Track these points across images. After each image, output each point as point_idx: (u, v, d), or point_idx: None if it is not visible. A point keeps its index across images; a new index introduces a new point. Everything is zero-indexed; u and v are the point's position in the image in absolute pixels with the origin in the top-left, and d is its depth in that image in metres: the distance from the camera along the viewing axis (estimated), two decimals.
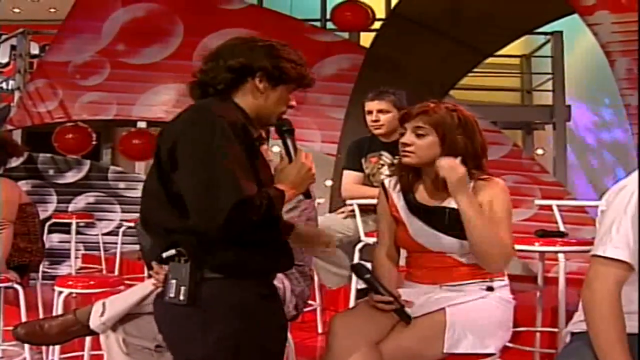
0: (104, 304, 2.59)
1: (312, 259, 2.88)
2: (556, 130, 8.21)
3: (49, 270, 6.98)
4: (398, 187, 2.46)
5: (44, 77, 7.52)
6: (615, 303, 1.70)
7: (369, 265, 2.49)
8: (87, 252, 7.37)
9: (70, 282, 3.35)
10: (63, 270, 7.08)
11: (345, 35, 7.96)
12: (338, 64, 7.03)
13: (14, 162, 7.40)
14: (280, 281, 2.56)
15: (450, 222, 2.32)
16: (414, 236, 2.38)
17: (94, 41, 7.39)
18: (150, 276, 2.29)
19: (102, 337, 2.62)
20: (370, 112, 3.91)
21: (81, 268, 6.96)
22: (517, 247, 3.39)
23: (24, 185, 7.99)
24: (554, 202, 3.88)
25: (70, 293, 3.34)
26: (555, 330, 3.24)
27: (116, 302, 2.59)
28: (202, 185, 1.82)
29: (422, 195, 2.42)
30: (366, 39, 7.48)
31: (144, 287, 2.57)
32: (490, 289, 2.32)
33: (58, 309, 3.34)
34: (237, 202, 1.79)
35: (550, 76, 8.46)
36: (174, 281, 1.89)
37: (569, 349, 1.86)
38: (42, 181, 8.01)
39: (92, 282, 3.38)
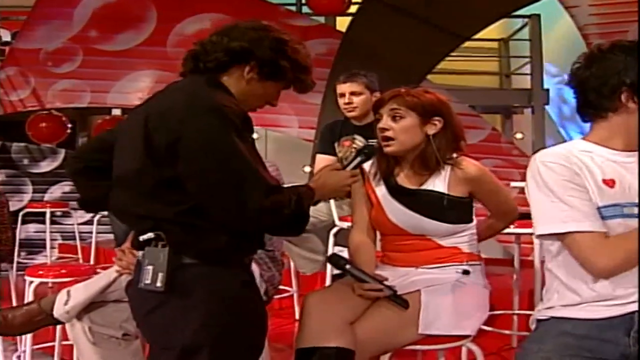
0: (68, 293, 2.52)
1: (282, 243, 2.81)
2: (534, 114, 8.21)
3: (26, 261, 6.90)
4: (378, 172, 2.41)
5: (15, 64, 7.37)
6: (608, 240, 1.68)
7: (344, 253, 2.43)
8: (65, 241, 7.29)
9: (41, 272, 3.34)
10: (40, 260, 6.99)
11: (321, 19, 7.89)
12: (314, 49, 6.87)
13: None
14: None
15: (430, 205, 2.29)
16: (393, 218, 2.33)
17: (65, 27, 7.25)
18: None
19: (68, 327, 2.55)
20: (342, 95, 3.86)
21: (58, 258, 6.89)
22: None
23: None
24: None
25: (42, 282, 3.32)
26: (532, 313, 3.20)
27: (80, 290, 2.51)
28: (226, 183, 1.73)
29: (402, 180, 2.38)
30: (342, 23, 7.43)
31: (108, 275, 2.50)
32: (466, 272, 2.28)
33: (29, 299, 3.30)
34: (267, 192, 1.73)
35: (528, 59, 8.44)
36: (150, 267, 1.80)
37: (533, 336, 1.83)
38: (17, 171, 7.91)
39: (63, 271, 3.35)
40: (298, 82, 2.00)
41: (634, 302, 1.67)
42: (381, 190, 2.38)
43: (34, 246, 7.29)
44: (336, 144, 3.94)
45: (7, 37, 9.35)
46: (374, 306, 2.17)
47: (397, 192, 2.35)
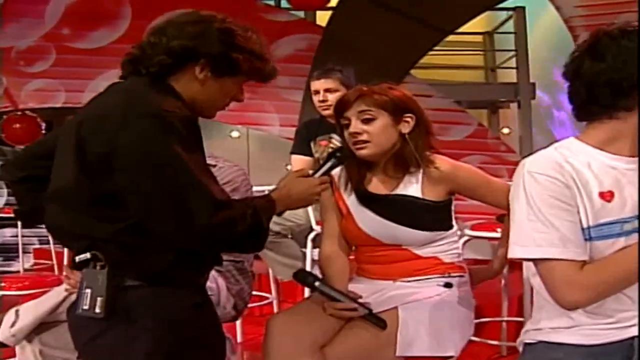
0: (17, 313, 2.31)
1: (252, 256, 2.61)
2: (521, 108, 8.08)
3: (2, 267, 6.72)
4: (347, 182, 2.21)
5: None
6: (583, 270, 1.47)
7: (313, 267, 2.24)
8: (41, 246, 7.10)
9: (3, 284, 3.19)
10: (16, 266, 6.81)
11: (301, 14, 7.69)
12: (294, 45, 6.79)
13: None
14: (214, 280, 2.29)
15: (403, 211, 2.10)
16: (364, 228, 2.14)
17: (36, 25, 7.02)
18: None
19: (18, 349, 2.34)
20: (317, 92, 3.66)
21: (34, 264, 6.71)
22: (478, 233, 3.22)
23: None
24: None
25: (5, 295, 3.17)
26: (522, 320, 3.04)
27: (30, 310, 2.31)
28: (166, 199, 1.54)
29: (372, 186, 2.18)
30: (323, 17, 7.30)
31: (58, 293, 2.29)
32: (448, 285, 2.09)
33: None
34: (215, 207, 1.54)
35: (513, 53, 8.30)
36: (88, 290, 1.61)
37: None
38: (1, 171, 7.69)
39: (26, 283, 3.19)
40: (256, 73, 1.79)
41: (633, 325, 1.46)
42: (351, 199, 2.19)
43: (10, 251, 7.10)
44: (312, 144, 3.76)
45: None
46: (348, 327, 1.98)
47: (367, 199, 2.16)
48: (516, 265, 3.51)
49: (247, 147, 9.02)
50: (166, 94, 1.67)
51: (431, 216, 2.11)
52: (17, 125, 7.20)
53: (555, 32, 7.09)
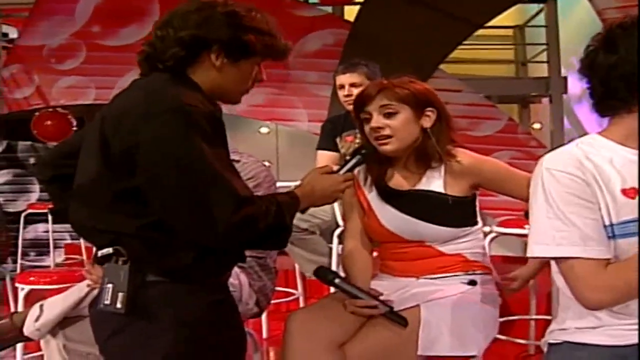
0: (41, 307, 2.32)
1: (275, 252, 2.58)
2: (553, 103, 7.94)
3: (35, 262, 6.80)
4: (369, 177, 2.19)
5: (19, 62, 7.25)
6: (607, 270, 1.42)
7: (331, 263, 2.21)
8: (73, 241, 7.16)
9: (32, 278, 3.20)
10: (48, 261, 6.89)
11: (329, 9, 7.68)
12: (322, 40, 6.74)
13: None
14: (236, 277, 2.28)
15: (426, 207, 2.07)
16: (386, 224, 2.11)
17: (67, 23, 7.09)
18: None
19: (42, 344, 2.36)
20: (342, 87, 3.62)
21: (65, 259, 6.78)
22: (506, 230, 3.16)
23: (5, 175, 7.77)
24: None
25: (34, 290, 3.18)
26: (551, 318, 2.97)
27: (55, 304, 2.32)
28: (187, 195, 1.52)
29: (394, 181, 2.15)
30: (350, 12, 7.21)
31: (80, 289, 2.30)
32: (472, 282, 2.05)
33: (20, 308, 3.18)
34: (237, 204, 1.52)
35: (544, 47, 8.17)
36: (109, 285, 1.60)
37: None
38: (23, 170, 7.79)
39: (54, 277, 3.21)
40: (270, 50, 1.76)
41: None
42: (373, 195, 2.17)
43: (43, 246, 7.18)
44: (338, 140, 3.72)
45: (14, 34, 9.25)
46: (368, 325, 1.95)
47: (389, 195, 2.13)
48: (545, 261, 3.47)
49: (276, 143, 9.01)
50: (187, 87, 1.66)
51: (455, 212, 2.07)
52: (49, 122, 7.22)
53: (588, 25, 6.95)
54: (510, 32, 9.19)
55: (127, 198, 1.59)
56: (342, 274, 2.14)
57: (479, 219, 2.14)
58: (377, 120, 2.08)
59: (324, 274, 2.07)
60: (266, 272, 2.45)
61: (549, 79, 7.98)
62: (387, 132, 2.07)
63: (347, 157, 2.03)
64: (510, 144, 6.55)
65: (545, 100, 8.44)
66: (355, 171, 2.14)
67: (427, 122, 2.09)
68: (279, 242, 1.69)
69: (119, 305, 1.58)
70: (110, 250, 1.62)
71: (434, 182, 2.09)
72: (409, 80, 2.12)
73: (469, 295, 2.02)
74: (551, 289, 2.97)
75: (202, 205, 1.52)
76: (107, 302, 1.60)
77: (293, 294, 4.26)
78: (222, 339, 1.67)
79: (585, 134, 1.59)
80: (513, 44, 9.29)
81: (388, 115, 2.08)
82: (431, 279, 2.07)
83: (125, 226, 1.60)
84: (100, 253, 1.65)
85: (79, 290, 2.30)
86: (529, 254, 1.52)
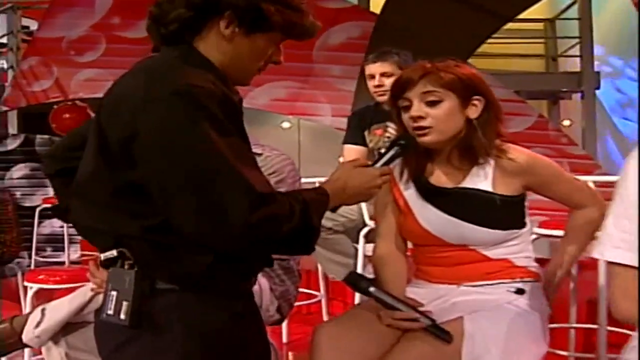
0: (43, 311, 2.14)
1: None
2: (585, 99, 7.70)
3: (50, 258, 6.69)
4: (405, 172, 1.98)
5: (37, 54, 7.15)
6: None
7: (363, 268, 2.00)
8: None
9: (41, 277, 3.05)
10: (64, 257, 6.78)
11: (354, 0, 7.47)
12: (347, 32, 6.53)
13: (10, 145, 7.21)
14: (256, 281, 2.09)
15: (472, 207, 1.86)
16: (426, 225, 1.90)
17: (87, 15, 6.98)
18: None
19: (44, 351, 2.17)
20: (372, 77, 3.42)
21: (81, 255, 6.67)
22: (547, 232, 2.94)
23: (22, 169, 7.66)
24: (589, 178, 3.36)
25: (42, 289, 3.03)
26: (595, 327, 2.75)
27: (56, 309, 2.14)
28: (194, 191, 1.30)
29: (435, 178, 1.94)
30: (376, 4, 7.09)
31: (84, 293, 2.12)
32: (520, 291, 1.84)
33: (27, 308, 3.05)
34: (255, 202, 1.30)
35: (577, 40, 7.92)
36: (113, 293, 1.41)
37: None
38: (41, 164, 7.70)
39: (64, 276, 3.06)
40: (293, 28, 1.52)
41: None
42: (411, 193, 1.95)
43: (59, 242, 7.08)
44: (366, 133, 3.51)
45: (34, 26, 9.16)
46: (406, 339, 1.73)
47: (430, 194, 1.91)
48: (586, 264, 3.25)
49: (298, 138, 8.84)
50: (198, 66, 1.44)
51: (504, 213, 1.86)
52: (67, 115, 7.13)
53: (624, 18, 6.72)
54: (540, 25, 8.98)
55: (129, 195, 1.39)
56: (371, 276, 1.94)
57: (527, 220, 1.92)
58: (418, 108, 1.86)
59: (356, 280, 1.85)
60: (289, 275, 2.25)
61: (581, 74, 7.74)
62: (427, 122, 1.85)
63: (384, 149, 1.81)
64: (540, 141, 6.32)
65: (575, 96, 8.21)
66: (390, 165, 1.93)
67: (473, 113, 1.87)
68: (305, 246, 1.46)
69: (122, 316, 1.39)
70: (114, 253, 1.42)
71: (481, 181, 1.87)
72: (454, 64, 1.89)
73: (517, 306, 1.80)
74: (595, 296, 2.78)
75: (213, 204, 1.30)
76: (110, 312, 1.41)
77: (315, 296, 4.06)
78: (242, 356, 1.47)
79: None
80: (543, 38, 9.06)
81: (431, 104, 1.85)
82: (474, 286, 1.86)
83: (129, 227, 1.40)
84: (103, 256, 1.45)
85: (83, 294, 2.12)
86: (589, 254, 1.38)
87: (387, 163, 1.74)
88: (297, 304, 3.83)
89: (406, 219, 1.95)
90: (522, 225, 1.90)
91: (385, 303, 1.77)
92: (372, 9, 7.37)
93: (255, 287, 2.05)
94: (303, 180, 4.41)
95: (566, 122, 8.53)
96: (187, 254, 1.39)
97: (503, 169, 1.86)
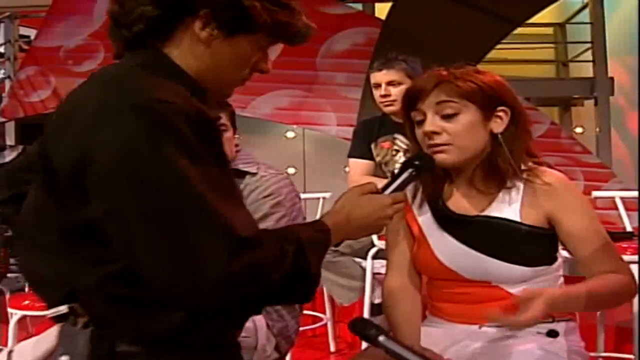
0: (10, 355, 1.91)
1: None
2: (598, 105, 7.48)
3: None
4: (419, 195, 1.75)
5: (35, 63, 6.99)
6: None
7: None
8: None
9: (26, 302, 2.86)
10: None
11: (359, 6, 7.31)
12: (352, 39, 6.34)
13: (7, 157, 7.03)
14: (250, 319, 1.87)
15: (497, 239, 1.63)
16: (442, 257, 1.67)
17: (85, 23, 6.80)
18: None
19: None
20: (378, 86, 3.22)
21: None
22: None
23: None
24: (617, 194, 3.12)
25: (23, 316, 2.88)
26: (630, 357, 2.53)
27: (22, 354, 1.91)
28: (162, 241, 1.07)
29: (455, 203, 1.71)
30: (382, 10, 6.92)
31: (50, 337, 1.89)
32: (553, 333, 1.61)
33: (11, 336, 2.85)
34: (236, 247, 1.07)
35: (588, 45, 7.73)
36: (64, 358, 1.18)
37: None
38: None
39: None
40: (282, 29, 1.29)
41: None
42: (426, 219, 1.72)
43: None
44: (373, 146, 3.31)
45: (33, 35, 9.00)
46: None
47: (448, 221, 1.69)
48: None
49: (302, 148, 8.63)
50: (166, 75, 1.20)
51: (534, 246, 1.63)
52: None
53: (636, 21, 6.52)
54: (550, 30, 8.79)
55: (82, 237, 1.14)
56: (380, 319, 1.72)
57: (559, 254, 1.69)
58: (432, 122, 1.63)
59: (362, 328, 1.60)
60: (289, 309, 2.03)
61: (594, 80, 7.53)
62: (444, 138, 1.62)
63: (396, 171, 1.57)
64: (553, 149, 6.13)
65: (588, 102, 8.00)
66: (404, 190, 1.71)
67: (497, 126, 1.64)
68: (300, 296, 1.23)
69: None
70: (63, 308, 1.18)
71: (508, 207, 1.64)
72: (474, 71, 1.66)
73: (551, 351, 1.57)
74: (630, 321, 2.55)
75: (184, 251, 1.06)
76: None
77: (321, 319, 3.84)
78: None
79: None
80: (554, 43, 8.86)
81: (447, 117, 1.62)
82: (498, 327, 1.63)
83: (83, 276, 1.15)
84: (51, 312, 1.20)
85: (49, 338, 1.89)
86: None
87: (399, 188, 1.50)
88: (302, 328, 3.63)
89: (420, 249, 1.73)
90: (552, 260, 1.67)
91: (398, 355, 1.54)
92: (377, 14, 7.18)
93: (249, 325, 1.83)
94: (307, 195, 4.25)
95: (579, 130, 8.31)
96: (155, 309, 1.14)
97: (533, 194, 1.63)
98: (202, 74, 1.26)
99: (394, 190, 1.48)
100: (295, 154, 8.26)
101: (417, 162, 1.55)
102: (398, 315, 1.70)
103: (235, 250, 1.06)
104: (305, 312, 4.11)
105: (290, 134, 8.73)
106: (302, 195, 2.50)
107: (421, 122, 1.66)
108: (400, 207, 1.46)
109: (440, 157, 1.64)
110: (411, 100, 1.69)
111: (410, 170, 1.53)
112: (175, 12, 1.23)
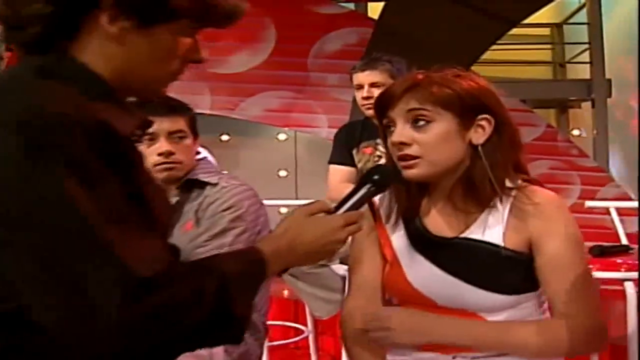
0: None
1: (265, 299, 1.98)
2: (596, 107, 7.36)
3: None
4: (394, 212, 1.59)
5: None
6: None
7: None
8: None
9: None
10: None
11: (351, 5, 7.19)
12: (344, 39, 6.24)
13: None
14: None
15: (475, 264, 1.47)
16: (414, 283, 1.52)
17: None
18: None
19: None
20: (360, 87, 3.09)
21: None
22: None
23: None
24: (611, 204, 2.96)
25: None
26: None
27: None
28: (46, 281, 0.90)
29: (433, 222, 1.55)
30: (375, 9, 6.80)
31: None
32: None
33: None
34: (136, 288, 0.91)
35: (586, 46, 7.64)
36: None
37: None
38: None
39: None
40: (205, 12, 1.11)
41: None
42: (400, 239, 1.56)
43: None
44: (354, 151, 3.16)
45: None
46: None
47: (424, 243, 1.53)
48: (609, 294, 2.85)
49: (294, 150, 8.50)
50: (69, 81, 1.03)
51: (515, 274, 1.47)
52: None
53: (634, 22, 6.41)
54: (547, 31, 8.68)
55: None
56: None
57: None
58: (401, 132, 1.47)
59: None
60: (251, 331, 1.86)
61: (592, 82, 7.41)
62: (414, 149, 1.46)
63: (352, 188, 1.41)
64: (549, 152, 6.03)
65: (584, 105, 7.87)
66: (377, 200, 1.55)
67: (478, 137, 1.48)
68: (227, 339, 1.07)
69: None
70: None
71: (490, 230, 1.48)
72: (454, 74, 1.49)
73: None
74: (626, 337, 2.39)
75: (73, 292, 0.90)
76: None
77: (302, 332, 3.70)
78: None
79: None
80: (550, 44, 8.74)
81: (418, 126, 1.47)
82: (475, 358, 1.48)
83: None
84: None
85: None
86: None
87: (355, 207, 1.32)
88: (283, 341, 3.48)
89: (391, 272, 1.57)
90: (536, 286, 1.50)
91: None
92: (370, 14, 7.09)
93: (203, 352, 1.67)
94: (299, 202, 4.10)
95: (575, 132, 8.18)
96: (50, 355, 0.96)
97: (520, 216, 1.47)
98: (119, 73, 1.09)
99: (349, 209, 1.31)
100: (287, 157, 8.13)
101: (375, 177, 1.37)
102: (360, 354, 1.55)
103: (132, 294, 0.89)
104: (286, 324, 3.98)
105: (282, 136, 8.60)
106: (295, 201, 2.36)
107: (390, 131, 1.51)
108: (354, 229, 1.28)
109: (408, 172, 1.48)
110: (381, 106, 1.53)
111: (368, 185, 1.35)
112: (73, 7, 1.05)
